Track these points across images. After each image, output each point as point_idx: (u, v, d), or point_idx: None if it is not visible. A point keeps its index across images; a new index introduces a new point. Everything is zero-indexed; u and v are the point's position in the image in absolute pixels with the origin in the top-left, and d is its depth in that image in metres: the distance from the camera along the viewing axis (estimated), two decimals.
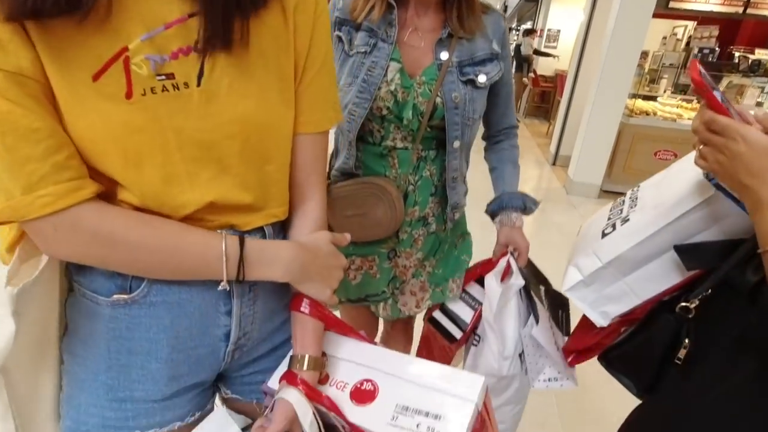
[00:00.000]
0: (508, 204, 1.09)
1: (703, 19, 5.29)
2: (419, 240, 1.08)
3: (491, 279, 1.06)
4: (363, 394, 0.63)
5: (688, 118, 4.10)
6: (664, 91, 5.10)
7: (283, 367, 0.66)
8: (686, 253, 0.69)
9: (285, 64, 0.57)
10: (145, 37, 0.46)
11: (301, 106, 0.61)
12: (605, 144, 4.06)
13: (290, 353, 0.65)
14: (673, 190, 0.75)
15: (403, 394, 0.61)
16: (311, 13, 0.57)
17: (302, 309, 0.64)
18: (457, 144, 0.98)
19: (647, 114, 4.14)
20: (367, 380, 0.64)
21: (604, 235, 0.82)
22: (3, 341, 0.48)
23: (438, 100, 0.93)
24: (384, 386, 0.63)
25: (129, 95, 0.47)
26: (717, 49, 5.16)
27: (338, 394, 0.63)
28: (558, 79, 7.26)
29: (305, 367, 0.62)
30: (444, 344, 1.14)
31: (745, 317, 0.60)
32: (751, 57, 4.59)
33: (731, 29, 6.17)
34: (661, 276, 0.75)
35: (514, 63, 8.00)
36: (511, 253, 1.09)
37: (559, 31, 8.60)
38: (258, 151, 0.57)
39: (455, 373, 0.63)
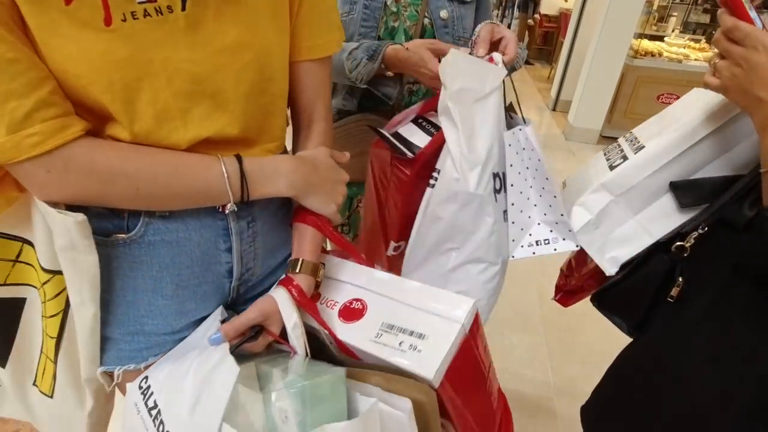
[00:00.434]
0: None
1: None
2: None
3: (459, 55, 0.74)
4: (351, 312, 0.63)
5: (695, 59, 3.96)
6: (672, 30, 4.89)
7: None
8: (682, 189, 0.68)
9: None
10: None
11: (302, 30, 0.58)
12: (607, 87, 3.94)
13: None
14: (689, 117, 0.70)
15: (390, 313, 0.61)
16: None
17: (302, 219, 0.63)
18: None
19: (652, 55, 3.99)
20: (357, 299, 0.64)
21: (612, 168, 0.77)
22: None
23: (426, 20, 0.91)
24: (372, 305, 0.63)
25: (108, 21, 0.43)
26: None
27: (327, 311, 0.64)
28: (562, 18, 6.93)
29: (298, 270, 0.61)
30: (390, 162, 0.82)
31: (742, 252, 0.60)
32: None
33: None
34: (677, 210, 0.71)
35: (520, 2, 7.60)
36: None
37: None
38: (253, 83, 0.54)
39: (446, 295, 0.62)
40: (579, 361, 1.77)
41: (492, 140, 0.73)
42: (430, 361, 0.55)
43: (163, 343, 0.61)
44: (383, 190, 0.86)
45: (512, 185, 0.78)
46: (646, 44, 4.18)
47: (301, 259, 0.62)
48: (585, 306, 0.91)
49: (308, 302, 0.60)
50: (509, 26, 13.17)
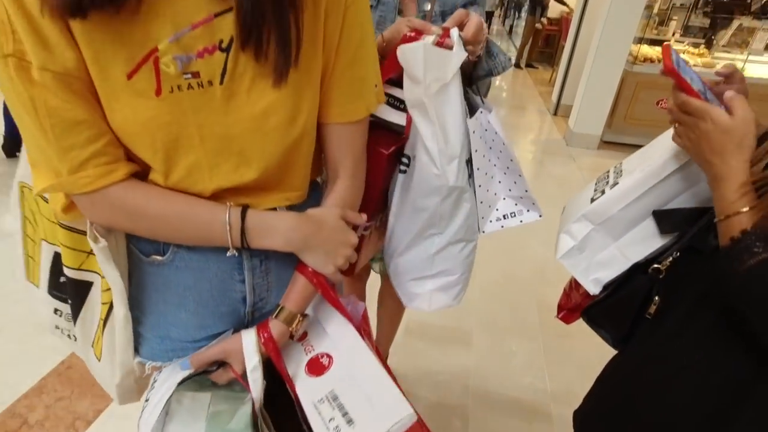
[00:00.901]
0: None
1: None
2: None
3: (418, 45, 0.71)
4: (317, 366, 0.65)
5: (694, 65, 3.99)
6: (673, 34, 4.92)
7: None
8: (662, 217, 0.74)
9: (311, 58, 0.57)
10: (172, 38, 0.50)
11: (331, 97, 0.61)
12: (607, 92, 3.99)
13: None
14: (658, 154, 0.77)
15: (343, 384, 0.63)
16: (342, 3, 0.57)
17: (300, 269, 0.66)
18: None
19: (651, 61, 4.03)
20: (328, 356, 0.66)
21: (593, 200, 0.84)
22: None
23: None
24: (335, 369, 0.65)
25: (158, 92, 0.51)
26: None
27: (301, 355, 0.67)
28: (563, 22, 6.95)
29: (275, 316, 0.65)
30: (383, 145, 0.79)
31: (707, 277, 0.65)
32: None
33: None
34: (650, 237, 0.78)
35: (528, 5, 7.65)
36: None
37: None
38: (278, 145, 0.59)
39: (395, 396, 0.62)
40: (576, 368, 1.82)
41: (461, 129, 0.77)
42: None
43: (185, 348, 0.69)
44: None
45: (478, 169, 0.83)
46: (646, 50, 4.22)
47: (282, 306, 0.66)
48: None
49: (274, 349, 0.64)
50: (511, 28, 13.09)
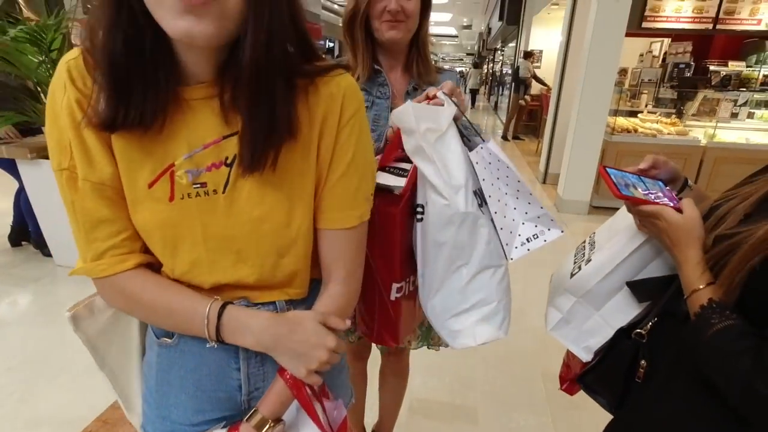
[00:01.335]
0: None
1: (677, 35, 5.52)
2: None
3: (406, 104, 0.82)
4: None
5: (668, 133, 4.26)
6: (646, 105, 5.28)
7: None
8: (636, 287, 0.80)
9: (305, 173, 0.64)
10: (187, 156, 0.59)
11: (324, 205, 0.67)
12: (591, 161, 4.19)
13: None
14: (624, 227, 0.85)
15: None
16: (336, 123, 0.63)
17: (279, 371, 0.66)
18: None
19: (628, 131, 4.29)
20: None
21: (572, 275, 0.91)
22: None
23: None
24: None
25: (171, 198, 0.60)
26: (692, 63, 5.37)
27: None
28: (543, 98, 7.46)
29: (246, 419, 0.66)
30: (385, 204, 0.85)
31: (684, 342, 0.70)
32: (723, 71, 4.78)
33: (704, 43, 6.40)
34: (628, 305, 0.85)
35: (513, 85, 8.19)
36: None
37: (541, 51, 8.88)
38: (273, 246, 0.64)
39: None
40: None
41: (464, 164, 0.82)
42: None
43: (184, 430, 0.72)
44: (368, 239, 0.86)
45: (490, 196, 0.86)
46: (622, 121, 4.51)
47: (255, 410, 0.66)
48: None
49: None
50: (496, 104, 13.85)
